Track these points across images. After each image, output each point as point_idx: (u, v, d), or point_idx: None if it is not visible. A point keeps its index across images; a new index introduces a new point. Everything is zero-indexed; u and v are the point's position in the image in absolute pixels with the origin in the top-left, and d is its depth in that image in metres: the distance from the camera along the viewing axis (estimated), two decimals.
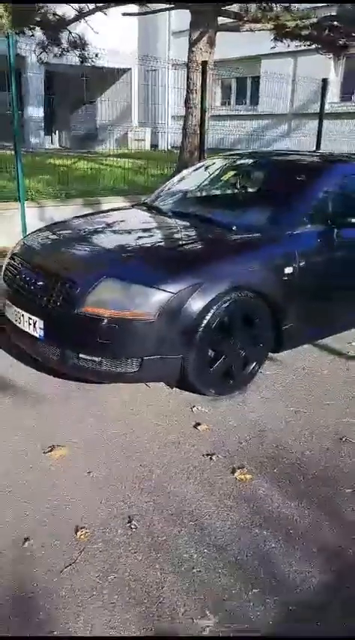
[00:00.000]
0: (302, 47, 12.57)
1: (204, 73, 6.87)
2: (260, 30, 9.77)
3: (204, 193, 4.07)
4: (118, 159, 12.98)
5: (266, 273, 3.16)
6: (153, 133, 19.83)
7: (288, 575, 1.93)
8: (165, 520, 2.16)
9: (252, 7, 9.71)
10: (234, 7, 9.72)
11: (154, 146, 19.50)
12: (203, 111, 6.98)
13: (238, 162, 4.36)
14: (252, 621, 1.74)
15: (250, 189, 4.07)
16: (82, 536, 2.05)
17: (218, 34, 9.84)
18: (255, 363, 3.25)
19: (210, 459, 2.58)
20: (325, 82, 8.96)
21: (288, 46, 13.01)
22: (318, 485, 2.42)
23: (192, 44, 9.31)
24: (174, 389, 3.17)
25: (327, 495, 2.36)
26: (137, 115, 20.46)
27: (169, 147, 19.13)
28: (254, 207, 3.81)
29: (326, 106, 15.70)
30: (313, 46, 12.14)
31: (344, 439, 2.79)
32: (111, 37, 15.85)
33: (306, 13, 9.89)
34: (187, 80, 9.59)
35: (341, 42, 11.93)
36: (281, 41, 11.83)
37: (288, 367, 3.59)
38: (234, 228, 3.36)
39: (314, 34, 10.69)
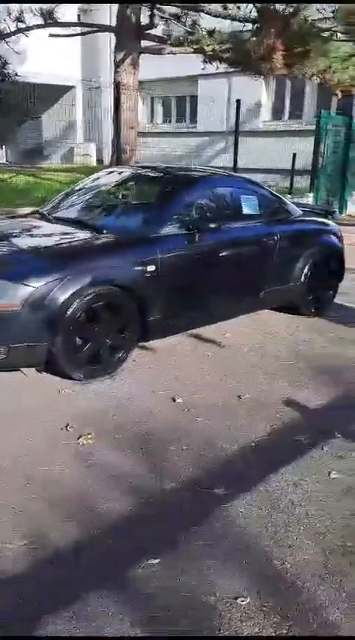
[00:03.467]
0: (231, 70, 13.35)
1: (118, 94, 7.39)
2: (181, 53, 10.39)
3: (87, 201, 4.51)
4: (59, 173, 13.38)
5: (129, 270, 3.59)
6: (98, 149, 20.33)
7: (99, 507, 2.34)
8: (7, 472, 2.54)
9: (174, 31, 10.37)
10: (157, 31, 10.34)
11: (100, 161, 19.97)
12: (119, 128, 7.47)
13: (124, 174, 4.83)
14: (54, 540, 2.13)
15: (127, 198, 4.54)
16: None
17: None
18: (122, 351, 3.66)
19: (62, 429, 2.97)
20: (239, 102, 9.61)
21: (217, 68, 13.76)
22: (149, 445, 2.85)
23: (117, 65, 9.85)
24: (44, 374, 3.55)
25: (153, 451, 2.79)
26: (82, 131, 20.95)
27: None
28: (126, 214, 4.29)
29: (260, 125, 16.72)
30: (240, 69, 12.92)
31: (186, 410, 3.24)
32: (56, 56, 16.40)
33: (226, 38, 10.57)
34: (114, 99, 10.09)
35: (265, 66, 12.70)
36: (211, 63, 12.53)
37: (160, 354, 4.03)
38: (104, 230, 3.80)
39: (236, 58, 11.40)
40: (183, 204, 4.05)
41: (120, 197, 4.52)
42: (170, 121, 19.30)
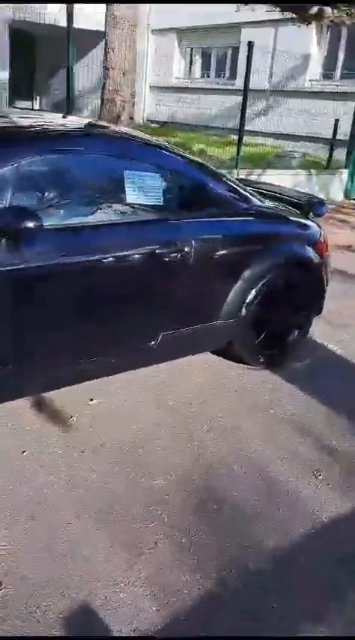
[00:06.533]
0: (276, 14, 11.26)
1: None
2: None
3: None
4: None
5: None
6: (130, 104, 18.36)
7: None
8: None
9: None
10: None
11: (130, 118, 18.05)
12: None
13: None
14: None
15: None
16: None
17: None
18: None
19: None
20: (251, 45, 7.46)
21: (253, 10, 11.62)
22: None
23: None
24: None
25: None
26: None
27: (145, 119, 17.74)
28: None
29: (306, 84, 14.24)
30: (281, 14, 10.75)
31: None
32: None
33: None
34: (105, 37, 8.27)
35: (313, 9, 10.46)
36: (246, 4, 10.45)
37: None
38: None
39: None
40: None
41: None
42: (208, 76, 16.95)
